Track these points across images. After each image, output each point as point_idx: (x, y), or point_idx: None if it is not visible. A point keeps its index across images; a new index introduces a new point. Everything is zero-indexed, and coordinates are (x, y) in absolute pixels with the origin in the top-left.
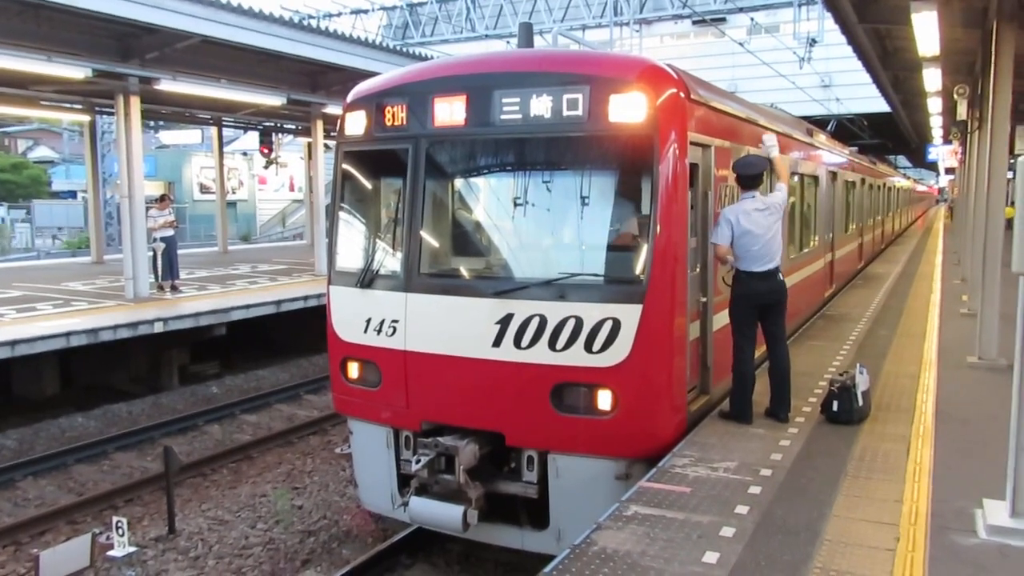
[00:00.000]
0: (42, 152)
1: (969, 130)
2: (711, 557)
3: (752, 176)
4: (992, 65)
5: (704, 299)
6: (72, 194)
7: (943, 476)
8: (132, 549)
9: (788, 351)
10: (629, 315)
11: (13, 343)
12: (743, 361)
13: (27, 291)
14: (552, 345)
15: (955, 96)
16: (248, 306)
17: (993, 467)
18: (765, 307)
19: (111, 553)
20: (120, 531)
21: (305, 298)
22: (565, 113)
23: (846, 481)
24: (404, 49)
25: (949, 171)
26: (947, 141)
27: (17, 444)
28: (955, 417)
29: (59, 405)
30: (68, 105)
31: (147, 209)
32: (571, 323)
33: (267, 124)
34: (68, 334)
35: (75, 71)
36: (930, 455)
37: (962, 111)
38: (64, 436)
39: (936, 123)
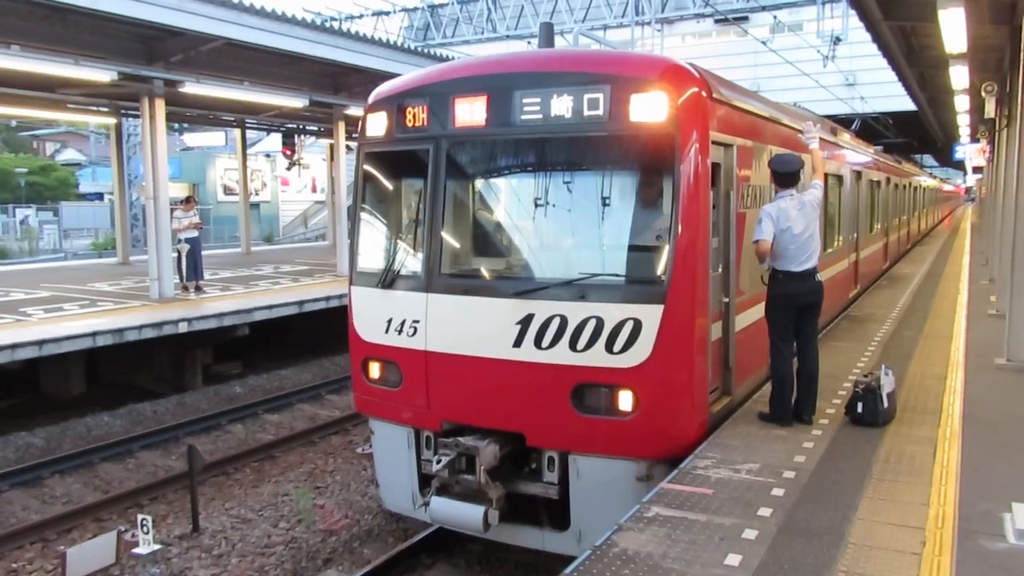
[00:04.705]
0: (69, 155)
1: (997, 128)
2: (733, 559)
3: (788, 174)
4: (1021, 62)
5: (726, 299)
6: (99, 196)
7: (970, 479)
8: (157, 547)
9: (818, 352)
10: (650, 315)
11: (41, 343)
12: (781, 362)
13: (54, 291)
14: (573, 345)
15: (983, 94)
16: (271, 306)
17: (1022, 470)
18: (801, 307)
19: (136, 550)
20: (145, 529)
21: (327, 299)
22: (586, 113)
23: (871, 484)
24: (425, 50)
25: (977, 170)
26: (975, 139)
27: (44, 442)
28: (983, 419)
29: (85, 404)
30: (94, 108)
31: (172, 211)
32: (592, 323)
33: (289, 126)
34: (94, 334)
35: (101, 74)
36: (957, 458)
37: (990, 109)
38: (90, 435)
39: (963, 121)
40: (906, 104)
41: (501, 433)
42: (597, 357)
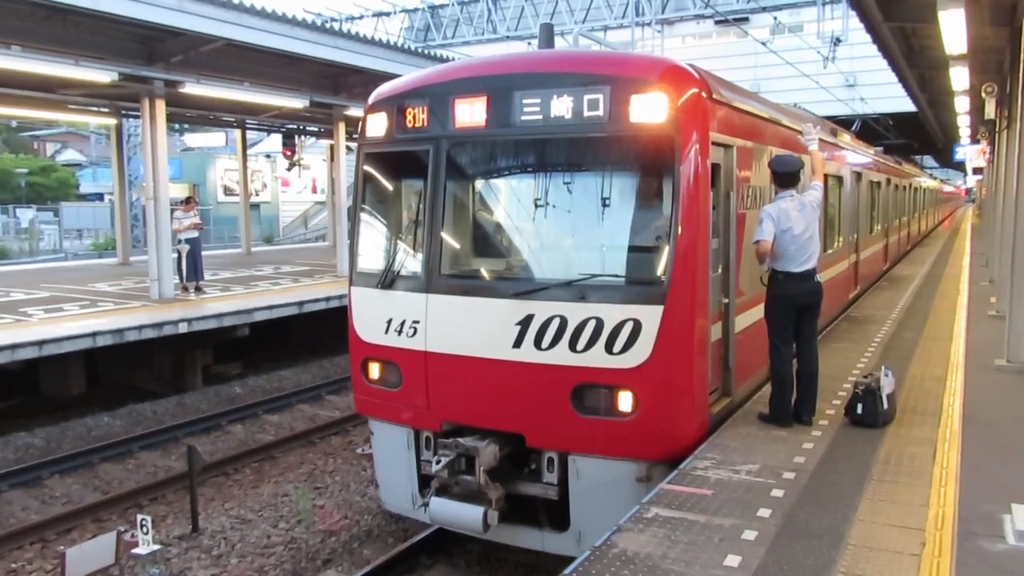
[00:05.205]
0: (70, 155)
1: (997, 129)
2: (733, 560)
3: (788, 174)
4: (1021, 63)
5: (726, 300)
6: (99, 196)
7: (970, 480)
8: (156, 547)
9: (818, 353)
10: (650, 316)
11: (41, 343)
12: (781, 363)
13: (54, 292)
14: (572, 346)
15: (983, 95)
16: (271, 307)
17: (1022, 471)
18: (800, 308)
19: (136, 551)
20: (144, 529)
21: (327, 299)
22: (586, 114)
23: (871, 485)
24: (425, 51)
25: (977, 171)
26: (975, 140)
27: (44, 443)
28: (982, 420)
29: (85, 404)
30: (95, 108)
31: (172, 211)
32: (592, 324)
33: (290, 126)
34: (94, 334)
35: (101, 75)
36: (957, 459)
37: (990, 110)
38: (90, 435)
39: (963, 122)
40: (906, 105)
41: (501, 434)
42: (597, 358)
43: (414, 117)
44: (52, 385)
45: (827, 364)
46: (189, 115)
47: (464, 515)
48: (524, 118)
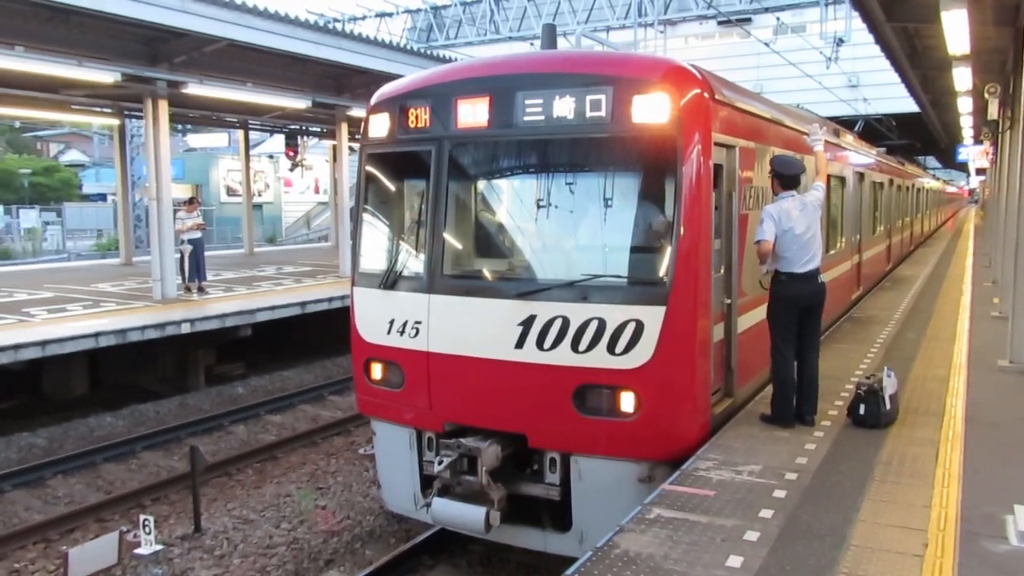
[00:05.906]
0: (73, 156)
1: (1000, 130)
2: (735, 561)
3: (791, 175)
4: None
5: (728, 301)
6: (102, 197)
7: (973, 481)
8: (159, 547)
9: (819, 353)
10: (652, 317)
11: (44, 343)
12: (783, 365)
13: (57, 292)
14: (575, 347)
15: (986, 95)
16: (273, 307)
17: None
18: (804, 309)
19: (138, 551)
20: (147, 529)
21: (329, 299)
22: (588, 114)
23: (873, 486)
24: (428, 52)
25: (980, 172)
26: (978, 141)
27: (47, 443)
28: (985, 421)
29: (88, 405)
30: (98, 109)
31: (175, 212)
32: (594, 324)
33: (292, 127)
34: (97, 334)
35: (104, 75)
36: (959, 460)
37: (993, 110)
38: (93, 435)
39: (966, 123)
40: (909, 106)
41: (503, 434)
42: (599, 358)
43: (416, 117)
44: (55, 385)
45: (829, 365)
46: (192, 116)
47: (466, 515)
48: (526, 119)
